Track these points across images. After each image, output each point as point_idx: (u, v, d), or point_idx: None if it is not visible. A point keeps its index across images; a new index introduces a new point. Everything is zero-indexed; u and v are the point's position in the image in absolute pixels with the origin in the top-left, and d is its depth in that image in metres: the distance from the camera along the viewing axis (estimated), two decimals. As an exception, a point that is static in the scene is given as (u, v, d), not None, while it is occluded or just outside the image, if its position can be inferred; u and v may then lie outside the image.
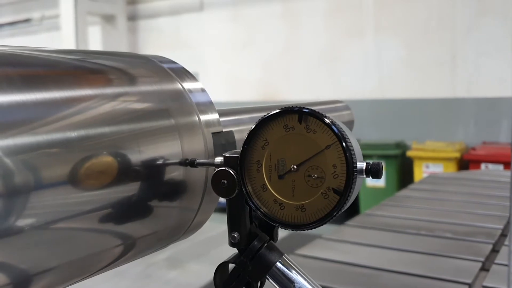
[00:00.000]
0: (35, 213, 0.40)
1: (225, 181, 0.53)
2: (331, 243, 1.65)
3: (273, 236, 0.57)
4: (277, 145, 0.51)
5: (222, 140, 0.62)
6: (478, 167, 4.52)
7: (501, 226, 1.75)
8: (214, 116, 0.62)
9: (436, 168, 4.71)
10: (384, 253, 1.55)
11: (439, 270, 1.37)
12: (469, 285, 1.27)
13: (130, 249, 0.54)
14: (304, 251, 1.54)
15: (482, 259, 1.43)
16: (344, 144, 0.49)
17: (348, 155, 0.49)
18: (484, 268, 1.39)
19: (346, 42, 5.60)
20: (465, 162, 4.70)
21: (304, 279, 0.54)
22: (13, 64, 0.44)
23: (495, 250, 1.52)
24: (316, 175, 0.50)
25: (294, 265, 0.55)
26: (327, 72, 5.73)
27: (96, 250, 0.49)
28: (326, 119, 0.50)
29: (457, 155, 4.64)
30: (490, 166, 4.49)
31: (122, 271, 3.47)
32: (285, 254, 0.56)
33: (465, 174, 3.12)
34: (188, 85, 0.60)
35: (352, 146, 0.49)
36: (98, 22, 7.30)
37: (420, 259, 1.47)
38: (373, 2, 5.45)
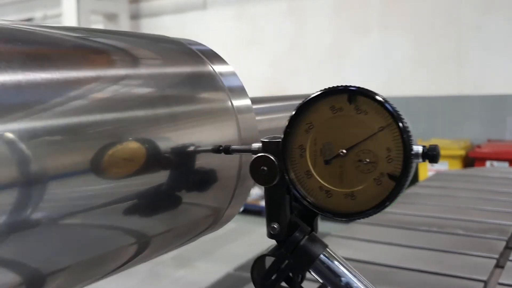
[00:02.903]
0: (54, 205, 0.37)
1: (265, 168, 0.49)
2: (342, 241, 1.64)
3: (313, 226, 0.53)
4: (323, 128, 0.48)
5: (254, 126, 0.58)
6: (483, 164, 4.50)
7: (513, 223, 1.73)
8: (246, 101, 0.58)
9: (442, 166, 4.69)
10: (397, 250, 1.54)
11: (454, 267, 1.36)
12: (485, 282, 1.25)
13: (158, 243, 0.51)
14: (316, 248, 1.53)
15: (496, 256, 1.42)
16: (400, 124, 0.45)
17: (405, 136, 0.45)
18: (499, 265, 1.38)
19: (352, 39, 5.58)
20: (470, 160, 4.68)
21: (351, 273, 0.51)
22: (28, 41, 0.41)
23: (508, 247, 1.51)
24: (368, 160, 0.46)
25: (339, 258, 0.52)
26: (333, 69, 5.71)
27: (122, 244, 0.46)
28: (378, 97, 0.46)
29: (462, 152, 4.63)
30: (495, 163, 4.47)
31: (129, 270, 3.45)
32: (329, 246, 0.53)
33: (472, 171, 3.10)
34: (219, 68, 0.57)
35: (408, 127, 0.46)
36: (101, 21, 7.29)
37: (434, 256, 1.46)
38: (379, -1, 5.43)
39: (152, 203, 0.46)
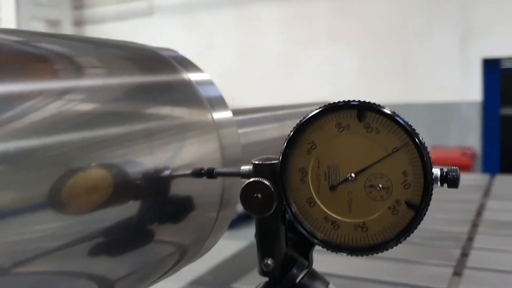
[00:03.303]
0: (2, 251, 0.29)
1: (259, 195, 0.42)
2: (299, 252, 1.59)
3: (308, 259, 0.47)
4: (327, 148, 0.42)
5: (237, 142, 0.51)
6: (429, 171, 4.63)
7: (467, 229, 1.75)
8: (227, 113, 0.51)
9: (390, 173, 4.78)
10: (354, 261, 1.50)
11: (413, 276, 1.34)
12: (445, 291, 1.24)
13: (129, 283, 0.43)
14: (273, 262, 1.47)
15: (454, 263, 1.42)
16: (419, 143, 0.40)
17: (426, 159, 0.40)
18: (457, 273, 1.37)
19: (301, 49, 5.64)
20: (417, 167, 4.80)
21: None
22: None
23: (464, 254, 1.52)
24: (380, 185, 0.41)
25: None
26: (283, 80, 5.75)
27: None
28: (392, 114, 0.41)
29: (410, 159, 4.74)
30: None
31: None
32: (331, 283, 0.46)
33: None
34: (195, 76, 0.50)
35: (427, 147, 0.41)
36: (43, 27, 7.02)
37: (392, 266, 1.44)
38: (327, 11, 5.51)
39: (122, 239, 0.39)
